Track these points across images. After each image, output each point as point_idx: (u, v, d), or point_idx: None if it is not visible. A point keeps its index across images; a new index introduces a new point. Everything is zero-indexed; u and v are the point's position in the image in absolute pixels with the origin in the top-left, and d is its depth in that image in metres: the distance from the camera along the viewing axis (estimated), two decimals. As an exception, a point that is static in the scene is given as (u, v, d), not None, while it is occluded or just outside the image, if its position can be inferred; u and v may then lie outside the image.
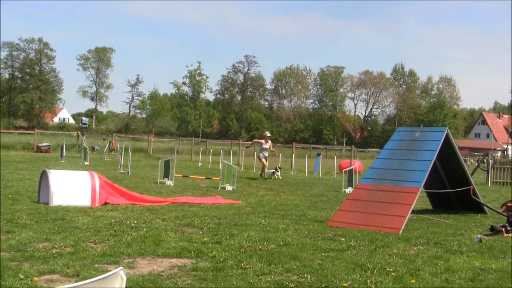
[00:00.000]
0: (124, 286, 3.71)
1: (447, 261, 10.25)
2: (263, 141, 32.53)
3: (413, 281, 8.60)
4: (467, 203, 17.99)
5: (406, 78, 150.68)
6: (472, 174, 21.97)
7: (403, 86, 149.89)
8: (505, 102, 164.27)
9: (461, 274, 9.16)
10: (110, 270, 5.37)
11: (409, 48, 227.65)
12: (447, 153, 16.89)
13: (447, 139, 16.31)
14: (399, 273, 9.08)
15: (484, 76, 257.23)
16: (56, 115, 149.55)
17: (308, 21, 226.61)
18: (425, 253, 10.95)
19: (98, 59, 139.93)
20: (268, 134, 33.52)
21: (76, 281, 7.47)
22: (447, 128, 16.73)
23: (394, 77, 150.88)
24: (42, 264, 8.90)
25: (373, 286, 8.21)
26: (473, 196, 17.33)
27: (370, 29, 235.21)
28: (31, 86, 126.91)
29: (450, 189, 18.15)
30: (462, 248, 11.58)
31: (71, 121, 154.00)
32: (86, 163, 37.03)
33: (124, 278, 3.69)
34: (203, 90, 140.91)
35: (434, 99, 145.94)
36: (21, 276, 8.05)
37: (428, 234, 13.37)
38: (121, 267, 3.71)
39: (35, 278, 8.05)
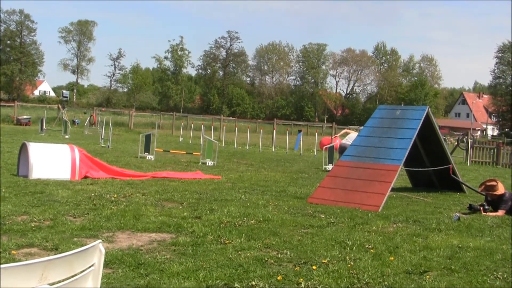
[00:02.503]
0: (102, 259, 3.70)
1: (426, 238, 10.32)
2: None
3: (392, 258, 8.64)
4: (446, 182, 18.10)
5: (388, 56, 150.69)
6: (451, 153, 22.07)
7: (385, 65, 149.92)
8: (485, 82, 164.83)
9: (439, 251, 9.21)
10: (89, 244, 5.36)
11: (391, 27, 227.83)
12: (427, 131, 16.95)
13: (427, 118, 16.37)
14: (378, 250, 9.12)
15: (465, 57, 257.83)
16: (36, 88, 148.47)
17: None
18: (404, 231, 11.01)
19: (80, 32, 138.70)
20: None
21: (55, 254, 7.45)
22: (428, 107, 16.79)
23: (376, 55, 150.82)
24: (21, 237, 8.86)
25: (352, 263, 8.24)
26: (452, 175, 17.45)
27: (353, 7, 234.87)
28: (11, 58, 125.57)
29: (429, 168, 18.24)
30: (440, 226, 11.66)
31: (52, 94, 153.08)
32: (66, 136, 36.90)
33: (103, 251, 3.68)
34: (185, 65, 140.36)
35: (415, 78, 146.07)
36: (-1, 249, 8.02)
37: (407, 212, 13.44)
38: (100, 240, 3.70)
39: (13, 252, 8.01)
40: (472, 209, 13.90)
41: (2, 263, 3.00)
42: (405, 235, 10.54)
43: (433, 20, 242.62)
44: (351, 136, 24.06)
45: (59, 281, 3.33)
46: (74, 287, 3.48)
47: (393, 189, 15.30)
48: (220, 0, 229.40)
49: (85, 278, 3.59)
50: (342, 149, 22.49)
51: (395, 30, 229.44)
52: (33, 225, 9.74)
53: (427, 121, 16.49)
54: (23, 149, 16.28)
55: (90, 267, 3.65)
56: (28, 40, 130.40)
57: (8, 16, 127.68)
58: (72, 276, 3.44)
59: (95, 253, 3.67)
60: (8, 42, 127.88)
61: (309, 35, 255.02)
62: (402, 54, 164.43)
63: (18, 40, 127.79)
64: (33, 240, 8.65)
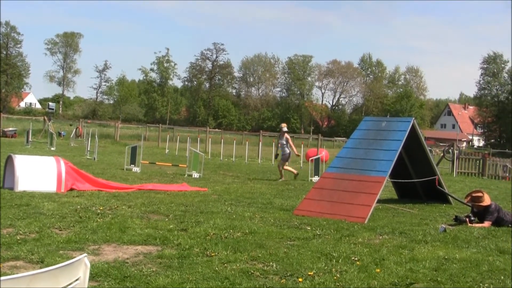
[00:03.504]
0: (88, 273, 3.69)
1: (412, 250, 10.34)
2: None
3: (378, 270, 8.65)
4: (432, 193, 18.16)
5: (374, 68, 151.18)
6: (437, 165, 22.15)
7: (371, 76, 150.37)
8: (470, 94, 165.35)
9: (426, 263, 9.23)
10: (75, 257, 5.34)
11: (376, 38, 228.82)
12: (413, 143, 17.00)
13: (413, 129, 16.43)
14: (364, 262, 9.14)
15: (451, 68, 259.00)
16: (22, 100, 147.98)
17: (276, 9, 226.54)
18: (390, 243, 11.03)
19: (66, 44, 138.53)
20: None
21: (41, 268, 7.42)
22: (413, 118, 16.85)
23: (362, 66, 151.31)
24: (6, 250, 8.82)
25: (338, 275, 8.25)
26: (438, 186, 17.50)
27: (338, 18, 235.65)
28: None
29: (415, 179, 18.29)
30: (426, 237, 11.68)
31: (38, 106, 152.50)
32: (52, 148, 36.78)
33: (88, 265, 3.68)
34: (171, 77, 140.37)
35: (401, 90, 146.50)
36: (-16, 262, 7.99)
37: (393, 223, 13.47)
38: (85, 254, 3.69)
39: (-1, 264, 7.99)
40: (458, 221, 13.94)
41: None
42: (391, 247, 10.56)
43: (419, 31, 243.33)
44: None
45: (45, 295, 3.33)
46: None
47: (379, 201, 15.32)
48: (206, 12, 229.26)
49: (70, 292, 3.59)
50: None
51: (380, 41, 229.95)
52: (18, 238, 9.70)
53: (413, 133, 16.55)
54: (9, 161, 16.21)
55: (75, 281, 3.64)
56: (14, 52, 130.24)
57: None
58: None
59: (81, 266, 3.67)
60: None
61: (295, 46, 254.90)
62: (387, 65, 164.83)
63: (4, 52, 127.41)
64: (19, 253, 8.61)
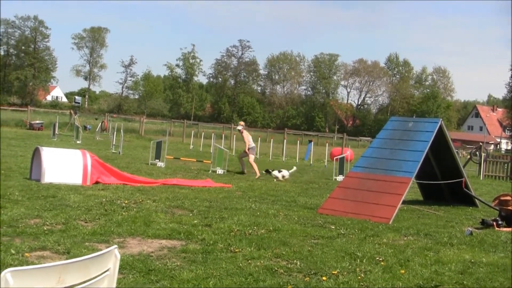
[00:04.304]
0: (117, 264, 3.71)
1: (437, 252, 10.27)
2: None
3: (403, 271, 8.61)
4: (459, 196, 18.01)
5: (400, 68, 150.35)
6: (464, 167, 22.01)
7: (397, 76, 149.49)
8: (499, 95, 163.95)
9: (451, 266, 9.16)
10: (100, 249, 5.37)
11: (404, 39, 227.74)
12: (440, 144, 16.88)
13: (440, 130, 16.31)
14: (389, 263, 9.09)
15: (479, 69, 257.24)
16: (49, 93, 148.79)
17: (303, 9, 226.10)
18: (415, 244, 10.97)
19: (93, 39, 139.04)
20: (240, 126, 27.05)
21: (67, 258, 7.46)
22: (441, 119, 16.73)
23: (388, 66, 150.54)
24: (33, 240, 8.89)
25: (362, 275, 8.21)
26: (464, 189, 17.34)
27: (365, 18, 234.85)
28: (25, 63, 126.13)
29: (441, 181, 18.17)
30: (452, 240, 11.59)
31: (64, 99, 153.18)
32: (78, 142, 36.95)
33: (118, 256, 3.69)
34: (196, 73, 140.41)
35: (428, 90, 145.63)
36: (12, 252, 8.05)
37: (418, 225, 13.39)
38: (115, 246, 3.71)
39: (26, 254, 8.05)
40: (485, 224, 13.80)
41: (16, 265, 3.01)
42: (416, 249, 10.50)
43: (446, 32, 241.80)
44: (250, 138, 25.70)
45: (75, 285, 3.34)
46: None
47: (404, 202, 15.22)
48: (233, 9, 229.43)
49: (100, 283, 3.60)
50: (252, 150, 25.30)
51: (408, 41, 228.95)
52: (45, 228, 9.79)
53: (440, 134, 16.43)
54: (36, 153, 16.33)
55: (105, 271, 3.65)
56: (41, 46, 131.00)
57: (22, 22, 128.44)
58: (88, 280, 3.45)
59: (111, 258, 3.68)
60: (23, 47, 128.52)
61: (321, 44, 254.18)
62: (414, 65, 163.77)
63: (32, 46, 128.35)
64: (46, 244, 8.68)
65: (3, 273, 2.90)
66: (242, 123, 27.35)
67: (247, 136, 25.64)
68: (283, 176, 22.95)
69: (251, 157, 25.23)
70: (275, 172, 23.28)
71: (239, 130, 26.46)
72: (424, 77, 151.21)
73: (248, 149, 25.23)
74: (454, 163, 17.54)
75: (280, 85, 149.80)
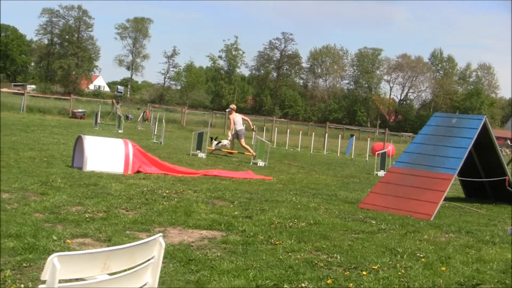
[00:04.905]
0: (162, 252, 3.73)
1: (479, 251, 10.16)
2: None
3: (444, 268, 8.54)
4: (502, 194, 17.80)
5: (444, 63, 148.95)
6: (508, 165, 21.76)
7: (441, 72, 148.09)
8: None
9: (493, 265, 9.05)
10: (141, 238, 5.40)
11: (448, 34, 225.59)
12: (484, 141, 16.68)
13: (484, 127, 16.12)
14: (430, 260, 9.03)
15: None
16: (92, 82, 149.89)
17: (346, 3, 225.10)
18: (457, 241, 10.87)
19: (136, 29, 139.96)
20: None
21: (108, 246, 7.52)
22: (485, 116, 16.49)
23: (432, 62, 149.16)
24: (75, 227, 8.99)
25: (402, 271, 8.17)
26: (508, 187, 17.14)
27: (409, 13, 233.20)
28: (69, 52, 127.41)
29: (484, 178, 17.98)
30: (494, 239, 11.45)
31: (106, 89, 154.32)
32: (120, 131, 37.19)
33: (163, 244, 3.72)
34: (239, 65, 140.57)
35: (472, 87, 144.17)
36: (55, 238, 8.14)
37: (460, 222, 13.28)
38: (160, 234, 3.72)
39: (68, 241, 8.14)
40: (528, 223, 13.64)
41: (58, 252, 3.03)
42: (457, 246, 10.40)
43: (491, 28, 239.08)
44: (237, 120, 26.66)
45: (120, 271, 3.36)
46: (134, 278, 3.51)
47: (445, 199, 15.08)
48: (275, 1, 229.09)
49: (144, 270, 3.62)
50: (239, 135, 26.38)
51: (453, 37, 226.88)
52: (87, 216, 9.88)
53: (484, 131, 16.23)
54: (79, 141, 16.46)
55: (150, 259, 3.68)
56: (85, 35, 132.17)
57: (66, 12, 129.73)
58: (133, 268, 3.47)
59: (156, 246, 3.71)
60: (66, 37, 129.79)
61: (364, 39, 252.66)
62: (458, 61, 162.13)
63: (76, 35, 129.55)
64: (87, 231, 8.77)
65: (50, 257, 2.93)
66: (232, 106, 28.16)
67: (234, 118, 26.65)
68: (225, 144, 26.62)
69: (242, 141, 26.36)
70: (224, 141, 26.63)
71: (228, 112, 27.90)
72: (468, 74, 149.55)
73: (236, 133, 26.46)
74: (498, 161, 17.34)
75: (322, 78, 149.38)
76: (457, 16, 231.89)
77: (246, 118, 27.85)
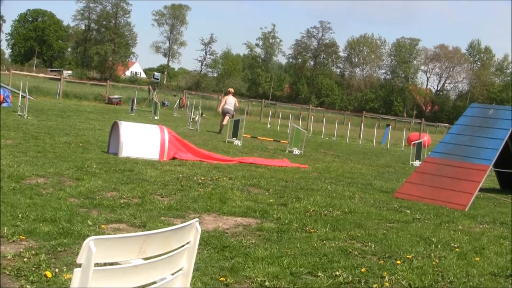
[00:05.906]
0: (198, 237, 3.77)
1: (514, 242, 10.10)
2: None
3: (478, 258, 8.51)
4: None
5: (482, 55, 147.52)
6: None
7: (478, 63, 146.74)
8: None
9: (528, 256, 9.01)
10: (176, 224, 5.45)
11: (486, 25, 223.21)
12: (521, 133, 16.52)
13: (522, 119, 15.96)
14: (464, 250, 9.00)
15: None
16: (128, 69, 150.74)
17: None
18: (491, 232, 10.81)
19: (173, 16, 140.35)
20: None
21: (143, 231, 7.59)
22: (523, 107, 16.36)
23: (470, 53, 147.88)
24: (110, 212, 9.07)
25: (437, 260, 8.15)
26: (544, 179, 16.99)
27: (448, 3, 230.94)
28: (106, 38, 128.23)
29: (520, 170, 17.83)
30: (529, 230, 11.39)
31: (143, 75, 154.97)
32: (156, 117, 37.34)
33: (199, 230, 3.76)
34: (276, 53, 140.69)
35: (509, 78, 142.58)
36: (89, 223, 8.22)
37: (494, 213, 13.19)
38: (197, 219, 3.76)
39: (103, 226, 8.22)
40: None
41: (92, 236, 3.08)
42: (491, 237, 10.35)
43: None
44: (229, 101, 31.07)
45: (156, 256, 3.41)
46: (169, 263, 3.56)
47: (480, 189, 14.97)
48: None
49: (180, 255, 3.66)
50: (224, 112, 30.81)
51: (491, 28, 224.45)
52: (122, 201, 9.96)
53: (521, 122, 16.08)
54: (115, 127, 16.57)
55: (185, 244, 3.72)
56: (122, 21, 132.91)
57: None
58: (169, 252, 3.52)
59: (192, 231, 3.75)
60: (104, 23, 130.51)
61: (402, 29, 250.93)
62: (496, 53, 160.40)
63: (113, 21, 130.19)
64: (122, 216, 8.85)
65: (86, 240, 2.97)
66: (231, 89, 33.27)
67: (227, 99, 31.27)
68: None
69: (226, 119, 30.11)
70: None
71: (227, 92, 31.85)
72: (506, 65, 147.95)
73: (224, 112, 30.57)
74: (535, 153, 17.19)
75: (359, 68, 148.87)
76: (496, 6, 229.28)
77: (237, 104, 32.38)
